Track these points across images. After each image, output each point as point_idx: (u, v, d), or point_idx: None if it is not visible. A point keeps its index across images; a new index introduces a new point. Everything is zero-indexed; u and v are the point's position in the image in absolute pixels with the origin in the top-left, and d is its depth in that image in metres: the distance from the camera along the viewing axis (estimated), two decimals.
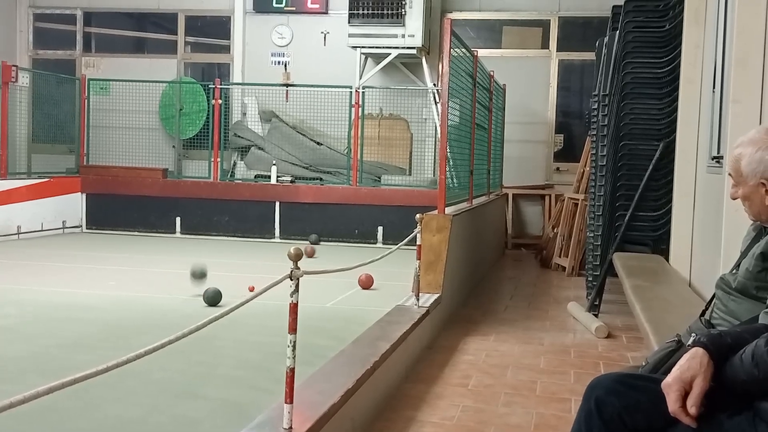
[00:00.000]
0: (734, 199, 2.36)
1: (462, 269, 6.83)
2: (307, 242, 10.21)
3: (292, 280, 2.74)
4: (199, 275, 6.68)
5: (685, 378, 1.85)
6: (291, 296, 2.74)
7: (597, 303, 6.46)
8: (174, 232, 11.32)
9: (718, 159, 4.53)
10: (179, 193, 11.34)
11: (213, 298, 6.13)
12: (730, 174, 2.34)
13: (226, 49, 13.02)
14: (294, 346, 2.74)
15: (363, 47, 11.34)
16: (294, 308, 2.75)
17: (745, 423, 1.87)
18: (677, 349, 2.22)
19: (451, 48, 6.10)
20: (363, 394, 3.53)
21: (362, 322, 5.00)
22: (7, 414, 1.69)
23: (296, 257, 2.73)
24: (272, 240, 11.00)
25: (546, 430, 3.72)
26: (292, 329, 2.74)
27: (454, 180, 7.45)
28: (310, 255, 9.12)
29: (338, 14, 12.02)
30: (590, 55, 9.60)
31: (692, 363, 1.86)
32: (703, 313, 2.46)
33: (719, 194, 4.18)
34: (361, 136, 11.25)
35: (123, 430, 3.47)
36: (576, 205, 9.29)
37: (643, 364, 2.33)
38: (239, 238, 11.05)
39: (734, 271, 2.39)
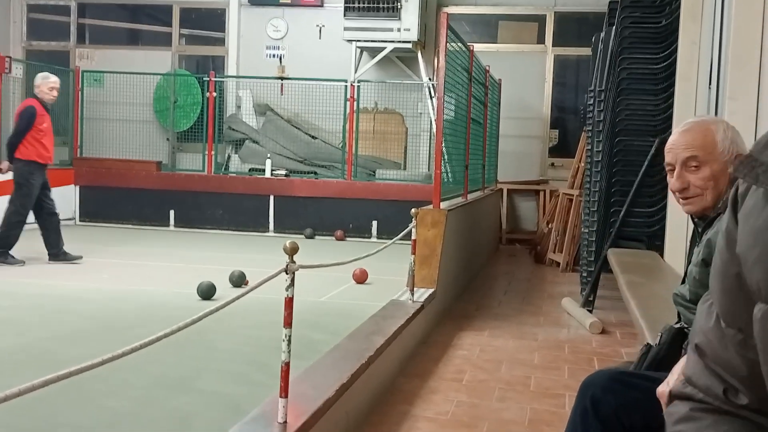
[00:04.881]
0: (684, 188, 2.22)
1: (456, 264, 6.83)
2: (339, 231, 10.80)
3: (287, 273, 2.73)
4: (236, 281, 6.63)
5: None
6: (286, 290, 2.73)
7: (591, 299, 6.47)
8: (168, 225, 11.29)
9: None
10: (173, 186, 11.31)
11: (207, 292, 6.12)
12: (691, 157, 2.22)
13: (221, 42, 12.98)
14: (289, 341, 2.73)
15: (358, 41, 11.31)
16: (289, 302, 2.74)
17: None
18: (647, 352, 2.22)
19: (447, 42, 6.08)
20: (357, 388, 3.52)
21: (357, 317, 4.99)
22: (1, 406, 1.68)
23: (292, 251, 2.72)
24: (266, 234, 10.98)
25: (540, 425, 3.73)
26: (288, 323, 2.73)
27: (449, 175, 7.45)
28: (341, 238, 10.63)
29: (334, 7, 11.99)
30: (586, 51, 9.61)
31: None
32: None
33: None
34: (356, 130, 11.23)
35: (117, 423, 3.46)
36: (570, 200, 9.29)
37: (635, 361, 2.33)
38: (233, 231, 11.02)
39: (685, 282, 2.35)
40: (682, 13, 5.68)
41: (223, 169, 11.95)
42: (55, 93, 7.78)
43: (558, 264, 9.28)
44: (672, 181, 2.27)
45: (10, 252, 7.56)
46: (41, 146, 7.64)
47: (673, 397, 1.38)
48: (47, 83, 7.67)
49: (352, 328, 4.45)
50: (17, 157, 7.56)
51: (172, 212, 11.31)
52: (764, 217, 1.10)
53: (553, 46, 12.00)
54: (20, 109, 7.72)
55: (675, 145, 2.27)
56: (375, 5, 11.06)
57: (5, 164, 7.79)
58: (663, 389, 1.80)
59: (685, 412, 1.30)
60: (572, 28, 11.99)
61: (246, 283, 6.53)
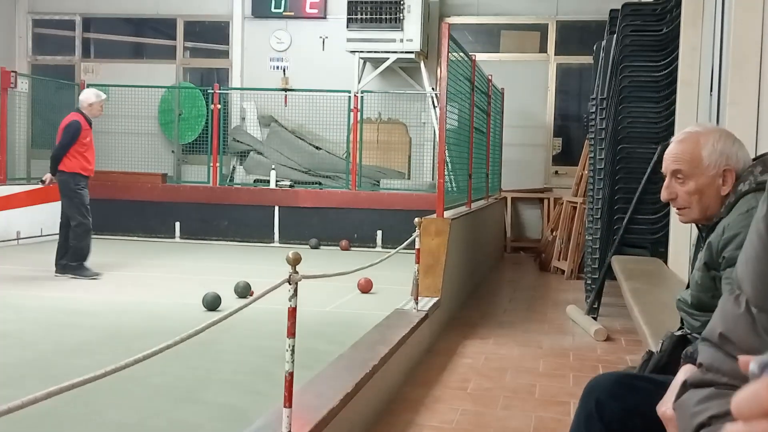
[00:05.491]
0: (672, 199, 2.24)
1: (461, 273, 6.83)
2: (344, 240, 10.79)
3: (290, 284, 2.75)
4: (241, 292, 6.65)
5: None
6: (289, 300, 2.75)
7: (596, 306, 6.46)
8: (173, 237, 11.32)
9: None
10: (178, 198, 11.34)
11: (212, 303, 6.13)
12: (677, 170, 2.24)
13: (225, 54, 13.04)
14: (293, 350, 2.74)
15: (361, 52, 11.36)
16: (292, 312, 2.75)
17: None
18: (649, 359, 2.23)
19: (449, 52, 6.11)
20: (362, 398, 3.53)
21: (361, 326, 5.00)
22: (6, 419, 1.70)
23: (294, 262, 2.74)
24: (271, 244, 11.00)
25: None
26: (291, 333, 2.75)
27: (453, 184, 7.46)
28: (346, 248, 10.60)
29: (337, 19, 12.04)
30: (588, 59, 9.63)
31: None
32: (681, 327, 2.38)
33: None
34: (359, 141, 11.26)
35: None
36: (575, 208, 9.29)
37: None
38: (238, 242, 11.05)
39: (688, 288, 2.34)
40: (682, 20, 5.70)
41: (228, 180, 11.99)
42: (102, 110, 8.03)
43: (563, 271, 9.27)
44: (662, 191, 2.29)
45: (86, 263, 7.77)
46: (84, 159, 7.79)
47: (690, 386, 1.34)
48: (101, 101, 7.91)
49: (356, 337, 4.45)
50: (61, 169, 7.67)
51: (177, 224, 11.34)
52: None
53: (555, 54, 12.03)
54: (65, 123, 7.82)
55: (667, 156, 2.29)
56: (378, 16, 11.11)
57: (48, 176, 7.96)
58: (666, 414, 1.74)
59: (710, 392, 1.26)
60: (574, 36, 12.02)
61: (251, 294, 6.54)
